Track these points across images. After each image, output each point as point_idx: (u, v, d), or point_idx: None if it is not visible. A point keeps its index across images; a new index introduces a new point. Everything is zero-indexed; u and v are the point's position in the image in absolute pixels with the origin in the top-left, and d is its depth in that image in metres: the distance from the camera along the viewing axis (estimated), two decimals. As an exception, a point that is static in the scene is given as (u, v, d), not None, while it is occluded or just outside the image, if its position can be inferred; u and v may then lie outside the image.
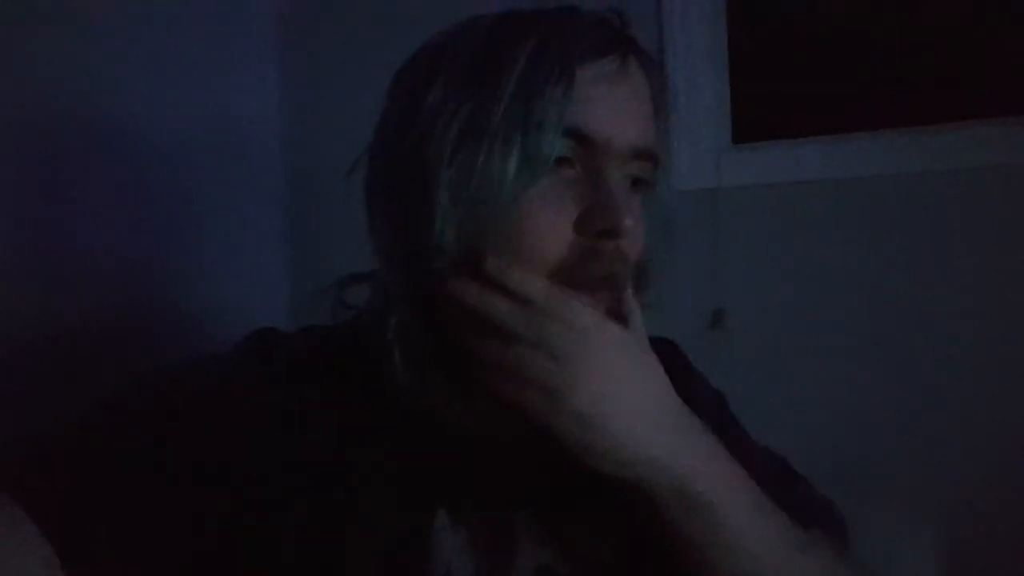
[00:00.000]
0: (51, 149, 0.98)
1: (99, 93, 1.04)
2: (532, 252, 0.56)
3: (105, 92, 1.05)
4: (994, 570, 1.06)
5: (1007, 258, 1.06)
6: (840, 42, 1.27)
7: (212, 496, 0.56)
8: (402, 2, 1.30)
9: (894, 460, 1.09)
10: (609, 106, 0.58)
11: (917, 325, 1.09)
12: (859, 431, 1.09)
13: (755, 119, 1.21)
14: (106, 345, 0.99)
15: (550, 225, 0.56)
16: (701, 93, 1.18)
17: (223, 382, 0.61)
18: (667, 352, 0.70)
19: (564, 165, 0.57)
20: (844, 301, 1.11)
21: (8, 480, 0.53)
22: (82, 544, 0.53)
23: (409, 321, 0.58)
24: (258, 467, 0.57)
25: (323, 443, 0.59)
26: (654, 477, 0.55)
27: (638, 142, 0.59)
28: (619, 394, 0.55)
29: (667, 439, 0.56)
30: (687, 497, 0.55)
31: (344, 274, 0.66)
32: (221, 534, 0.56)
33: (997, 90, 1.15)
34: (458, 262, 0.57)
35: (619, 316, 0.59)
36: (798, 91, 1.24)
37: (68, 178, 0.99)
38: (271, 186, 1.37)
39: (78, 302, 0.98)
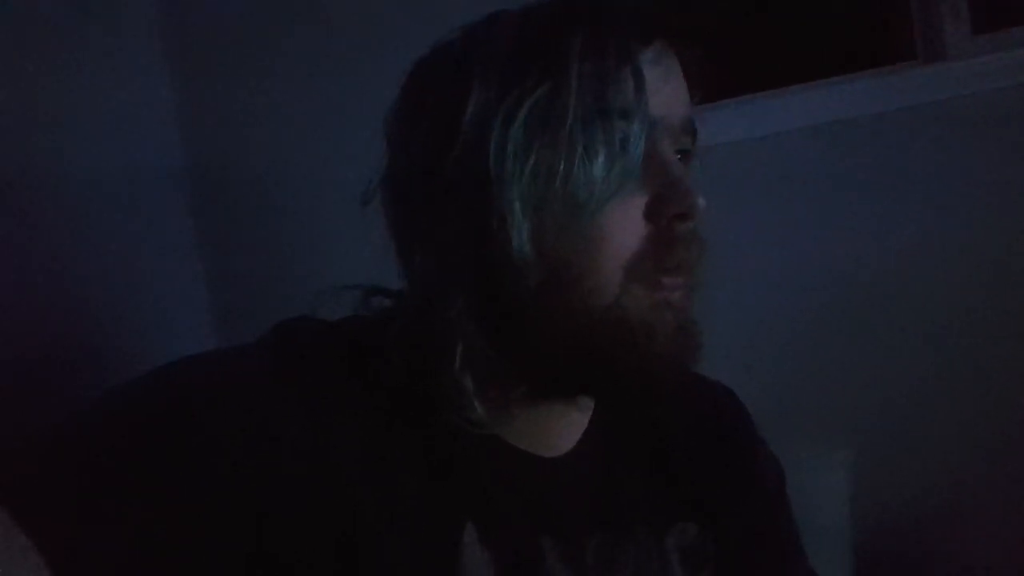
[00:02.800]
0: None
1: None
2: (606, 250, 0.52)
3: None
4: (896, 484, 1.18)
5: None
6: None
7: (227, 508, 0.51)
8: (299, 8, 1.31)
9: (808, 391, 1.18)
10: (662, 85, 0.54)
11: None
12: (774, 368, 1.18)
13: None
14: (20, 381, 0.94)
15: (621, 218, 0.52)
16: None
17: (241, 383, 0.55)
18: (728, 403, 0.69)
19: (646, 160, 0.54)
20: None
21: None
22: (76, 555, 0.49)
23: (478, 347, 0.54)
24: (279, 476, 0.52)
25: (351, 451, 0.54)
26: None
27: (687, 114, 0.57)
28: None
29: None
30: None
31: (367, 285, 0.62)
32: (235, 549, 0.52)
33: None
34: (543, 276, 0.52)
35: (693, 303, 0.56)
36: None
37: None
38: (177, 202, 1.33)
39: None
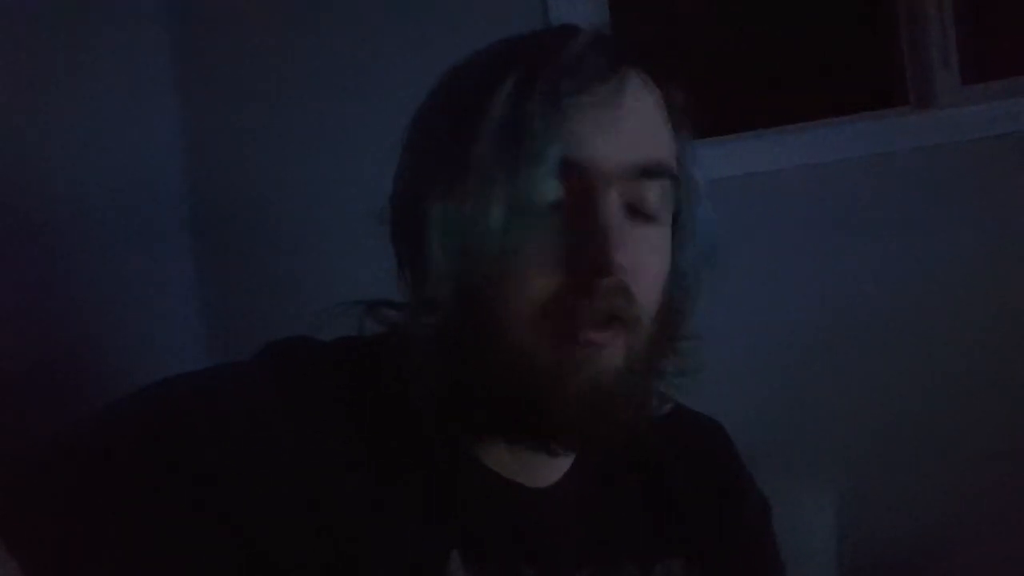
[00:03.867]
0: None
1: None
2: (515, 297, 0.51)
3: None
4: (884, 519, 1.19)
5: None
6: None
7: (217, 528, 0.51)
8: (300, 33, 1.33)
9: (793, 426, 1.19)
10: (599, 129, 0.52)
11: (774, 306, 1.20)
12: (762, 401, 1.19)
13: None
14: (10, 392, 0.93)
15: (534, 264, 0.51)
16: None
17: (233, 399, 0.55)
18: (716, 437, 0.69)
19: (556, 208, 0.52)
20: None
21: None
22: (64, 567, 0.49)
23: (425, 364, 0.54)
24: (268, 493, 0.52)
25: (340, 472, 0.54)
26: None
27: (638, 159, 0.53)
28: None
29: None
30: None
31: (370, 300, 0.61)
32: (224, 566, 0.51)
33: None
34: (460, 316, 0.52)
35: (642, 356, 0.54)
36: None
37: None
38: (176, 226, 1.33)
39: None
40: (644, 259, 0.53)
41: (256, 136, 1.37)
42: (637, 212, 0.54)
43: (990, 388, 1.23)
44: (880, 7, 1.37)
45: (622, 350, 0.53)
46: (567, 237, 0.51)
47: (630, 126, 0.53)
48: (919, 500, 1.23)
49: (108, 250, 1.16)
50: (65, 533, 0.49)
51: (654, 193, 0.54)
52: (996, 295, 1.24)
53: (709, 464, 0.67)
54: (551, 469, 0.60)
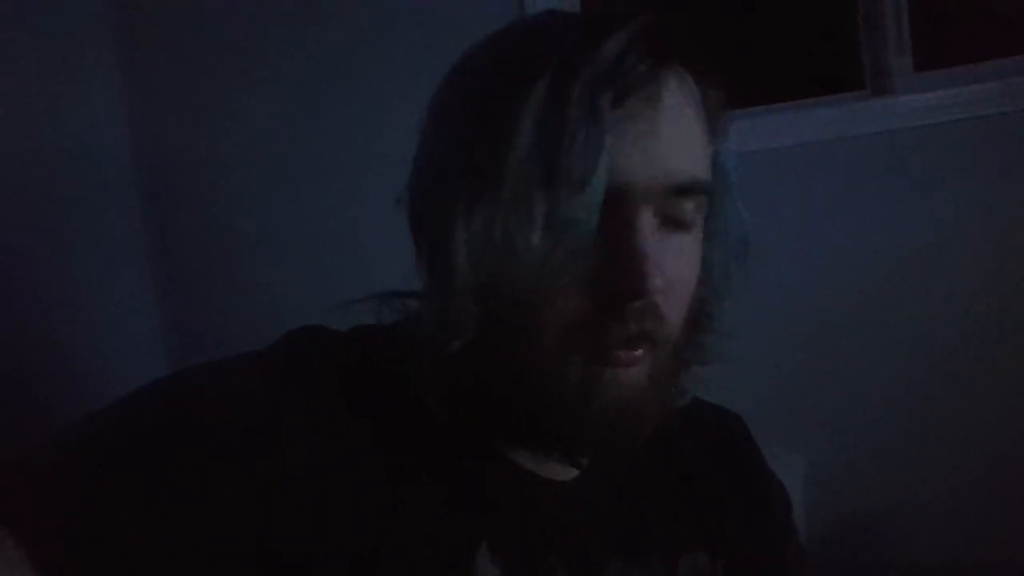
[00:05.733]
0: None
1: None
2: (543, 317, 0.49)
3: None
4: (846, 484, 1.25)
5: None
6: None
7: (233, 515, 0.49)
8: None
9: (764, 402, 1.23)
10: (637, 148, 0.49)
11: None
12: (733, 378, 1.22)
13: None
14: None
15: (566, 285, 0.49)
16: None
17: (251, 388, 0.53)
18: (736, 429, 0.68)
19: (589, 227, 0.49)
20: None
21: None
22: (72, 569, 0.47)
23: (446, 377, 0.52)
24: (288, 485, 0.50)
25: (363, 463, 0.53)
26: None
27: (675, 178, 0.50)
28: None
29: None
30: None
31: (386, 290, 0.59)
32: (242, 557, 0.49)
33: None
34: (485, 329, 0.50)
35: (667, 367, 0.53)
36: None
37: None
38: (127, 201, 1.29)
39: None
40: (677, 272, 0.52)
41: (207, 117, 1.34)
42: (671, 221, 0.52)
43: (944, 367, 1.29)
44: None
45: (648, 366, 0.52)
46: (600, 257, 0.49)
47: (668, 142, 0.50)
48: (878, 470, 1.29)
49: (53, 234, 1.11)
50: (77, 525, 0.48)
51: (689, 205, 0.52)
52: (949, 276, 1.28)
53: (731, 456, 0.67)
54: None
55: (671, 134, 0.50)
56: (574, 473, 0.58)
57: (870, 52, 1.36)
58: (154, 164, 1.35)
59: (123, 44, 1.33)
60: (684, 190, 0.51)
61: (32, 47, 1.11)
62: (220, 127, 1.33)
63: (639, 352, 0.51)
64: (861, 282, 1.30)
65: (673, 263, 0.51)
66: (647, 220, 0.50)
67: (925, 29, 1.37)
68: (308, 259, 1.31)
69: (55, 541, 0.47)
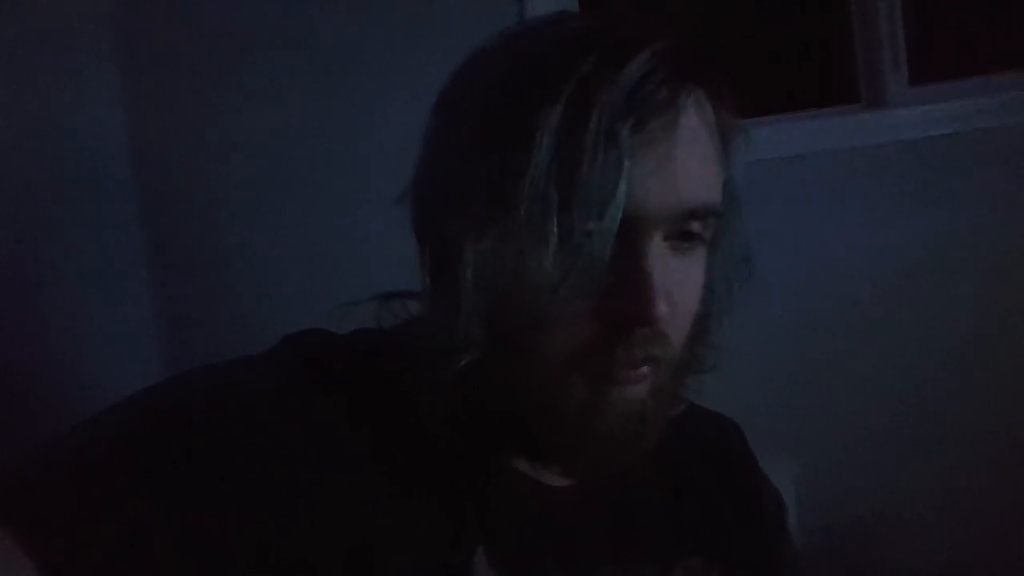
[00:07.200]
0: None
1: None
2: (550, 340, 0.49)
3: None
4: (837, 488, 1.27)
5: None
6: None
7: (232, 515, 0.49)
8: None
9: (759, 407, 1.24)
10: (652, 175, 0.48)
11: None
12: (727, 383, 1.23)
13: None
14: None
15: (574, 309, 0.49)
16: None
17: (250, 390, 0.53)
18: (732, 436, 0.68)
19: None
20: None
21: None
22: (72, 570, 0.47)
23: (447, 395, 0.52)
24: (286, 486, 0.50)
25: (362, 465, 0.53)
26: None
27: (688, 205, 0.50)
28: None
29: None
30: None
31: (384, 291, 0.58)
32: (240, 557, 0.49)
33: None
34: (491, 347, 0.50)
35: (668, 383, 0.54)
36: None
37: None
38: (124, 212, 1.29)
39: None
40: (683, 297, 0.52)
41: (206, 120, 1.35)
42: (679, 243, 0.51)
43: (936, 376, 1.31)
44: (833, 9, 1.41)
45: (650, 384, 0.52)
46: (608, 281, 0.49)
47: (683, 167, 0.50)
48: (871, 475, 1.30)
49: (51, 245, 1.11)
50: (77, 526, 0.48)
51: (697, 227, 0.52)
52: (942, 288, 1.30)
53: (726, 463, 0.67)
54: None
55: (687, 159, 0.50)
56: (570, 479, 0.58)
57: (864, 65, 1.38)
58: (153, 168, 1.35)
59: (123, 48, 1.34)
60: (695, 214, 0.51)
61: (31, 51, 1.11)
62: (219, 130, 1.34)
63: (644, 370, 0.51)
64: (854, 293, 1.31)
65: (680, 287, 0.51)
66: (657, 245, 0.50)
67: (919, 43, 1.38)
68: (307, 262, 1.32)
69: (55, 541, 0.47)
